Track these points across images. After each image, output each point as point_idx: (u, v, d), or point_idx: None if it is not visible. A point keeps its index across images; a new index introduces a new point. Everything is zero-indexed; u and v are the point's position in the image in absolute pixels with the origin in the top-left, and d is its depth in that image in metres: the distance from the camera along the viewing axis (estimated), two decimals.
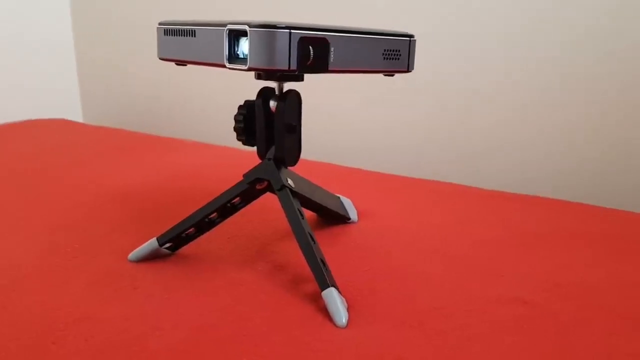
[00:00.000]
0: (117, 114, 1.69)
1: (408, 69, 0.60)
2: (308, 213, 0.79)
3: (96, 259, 0.64)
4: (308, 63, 0.49)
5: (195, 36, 0.54)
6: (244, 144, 0.63)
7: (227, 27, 0.50)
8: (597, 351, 0.48)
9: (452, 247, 0.70)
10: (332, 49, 0.51)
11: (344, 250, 0.68)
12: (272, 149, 0.61)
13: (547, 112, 1.02)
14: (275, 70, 0.48)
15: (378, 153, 1.21)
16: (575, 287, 0.60)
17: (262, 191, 0.65)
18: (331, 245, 0.69)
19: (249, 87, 1.36)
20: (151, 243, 0.64)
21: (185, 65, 0.60)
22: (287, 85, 0.60)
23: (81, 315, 0.52)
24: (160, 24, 0.59)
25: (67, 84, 1.71)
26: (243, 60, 0.50)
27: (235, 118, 0.62)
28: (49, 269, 0.61)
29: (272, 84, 0.60)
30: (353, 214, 0.78)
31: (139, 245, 0.65)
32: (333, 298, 0.52)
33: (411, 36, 0.59)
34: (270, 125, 0.61)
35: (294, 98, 0.60)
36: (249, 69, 0.48)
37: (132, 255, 0.64)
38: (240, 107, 0.62)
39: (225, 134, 1.44)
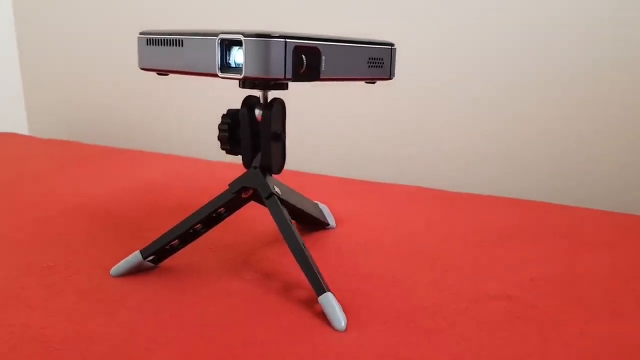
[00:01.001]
0: (65, 126, 1.63)
1: (390, 76, 0.61)
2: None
3: (76, 276, 0.62)
4: (301, 72, 0.50)
5: (182, 46, 0.53)
6: (228, 152, 0.63)
7: (219, 37, 0.50)
8: (580, 339, 0.51)
9: (428, 248, 0.72)
10: (323, 57, 0.52)
11: (327, 255, 0.69)
12: (258, 157, 0.62)
13: (526, 121, 1.07)
14: (270, 79, 0.49)
15: (353, 160, 1.23)
16: (547, 281, 0.63)
17: (247, 200, 0.65)
18: (314, 251, 0.70)
19: (208, 95, 1.36)
20: (134, 256, 0.62)
21: (167, 75, 0.59)
22: (271, 94, 0.60)
23: (73, 332, 0.50)
24: (141, 33, 0.58)
25: (11, 96, 1.63)
26: (235, 70, 0.50)
27: (220, 127, 0.61)
28: (27, 288, 0.59)
29: (256, 93, 0.61)
30: (331, 220, 0.79)
31: (118, 260, 0.63)
32: (330, 303, 0.53)
33: (392, 45, 0.61)
34: (255, 133, 0.61)
35: (279, 107, 0.60)
36: (245, 78, 0.49)
37: (114, 269, 0.62)
38: (224, 116, 0.61)
39: (183, 144, 1.42)
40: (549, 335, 0.52)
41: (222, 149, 0.62)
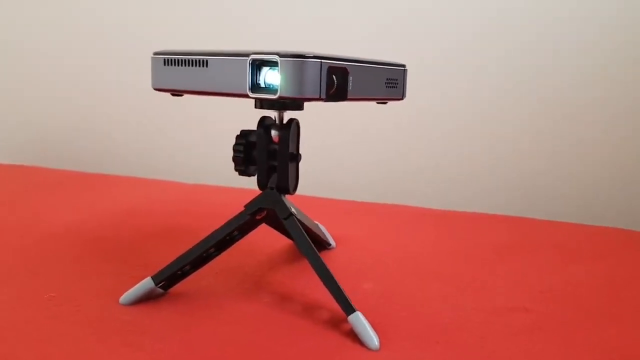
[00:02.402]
0: (20, 150, 1.55)
1: (402, 96, 0.63)
2: (286, 240, 0.79)
3: (84, 306, 0.59)
4: (331, 92, 0.50)
5: (207, 66, 0.52)
6: (241, 174, 0.62)
7: (250, 57, 0.49)
8: (599, 344, 0.53)
9: (432, 266, 0.74)
10: (350, 78, 0.52)
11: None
12: (273, 178, 0.61)
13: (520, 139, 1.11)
14: (305, 99, 0.49)
15: (342, 181, 1.23)
16: (554, 292, 0.65)
17: (260, 221, 0.64)
18: None
19: (169, 113, 1.32)
20: (146, 283, 0.60)
21: (182, 95, 0.58)
22: (287, 115, 0.60)
23: None
24: (156, 53, 0.57)
25: None
26: (266, 90, 0.50)
27: (235, 148, 0.61)
28: (33, 322, 0.55)
29: (272, 113, 0.61)
30: (331, 240, 0.79)
31: (119, 287, 0.61)
32: (361, 322, 0.53)
33: (404, 66, 0.62)
34: (271, 154, 0.60)
35: (296, 127, 0.60)
36: (280, 98, 0.48)
37: (124, 298, 0.60)
38: (238, 137, 0.61)
39: (154, 168, 1.38)
40: (571, 342, 0.53)
41: (237, 169, 0.61)
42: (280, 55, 0.48)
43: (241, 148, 0.60)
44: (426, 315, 0.59)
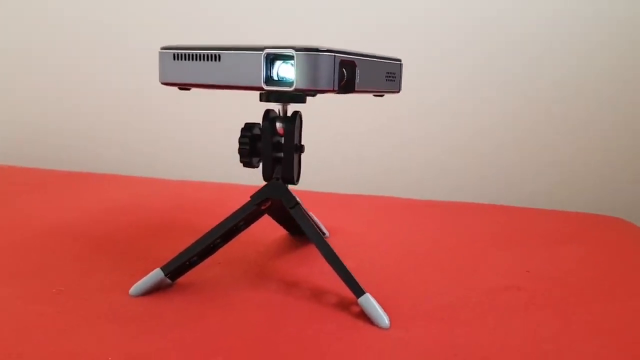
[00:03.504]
0: None
1: (399, 89, 0.66)
2: (281, 231, 0.81)
3: (94, 298, 0.59)
4: (342, 84, 0.53)
5: (219, 60, 0.54)
6: (246, 165, 0.64)
7: (264, 51, 0.51)
8: (589, 316, 0.58)
9: (425, 251, 0.77)
10: (357, 71, 0.55)
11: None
12: (277, 169, 0.63)
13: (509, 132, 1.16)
14: (320, 91, 0.51)
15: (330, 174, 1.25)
16: (542, 272, 0.70)
17: (264, 212, 0.66)
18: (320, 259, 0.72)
19: (152, 110, 1.32)
20: (155, 274, 0.61)
21: (189, 89, 0.60)
22: (291, 107, 0.62)
23: (127, 356, 0.48)
24: (164, 48, 0.58)
25: None
26: (280, 82, 0.52)
27: (240, 140, 0.62)
28: (46, 315, 0.55)
29: (275, 106, 0.62)
30: (324, 230, 0.81)
31: (126, 280, 0.62)
32: (371, 303, 0.56)
33: (400, 60, 0.66)
34: (276, 146, 0.62)
35: (299, 119, 0.62)
36: (295, 91, 0.50)
37: (134, 289, 0.60)
38: (243, 130, 0.62)
39: (132, 165, 1.37)
40: (566, 316, 0.58)
41: (242, 161, 0.63)
42: (296, 49, 0.50)
43: (247, 140, 0.62)
44: (427, 297, 0.62)
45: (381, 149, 1.21)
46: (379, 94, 0.66)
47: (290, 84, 0.51)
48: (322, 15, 1.20)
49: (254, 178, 0.65)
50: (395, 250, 0.78)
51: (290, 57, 0.50)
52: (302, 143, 0.63)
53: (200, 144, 1.30)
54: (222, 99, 1.19)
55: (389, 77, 0.63)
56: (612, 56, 1.08)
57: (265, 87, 0.52)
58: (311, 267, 0.69)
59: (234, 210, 0.62)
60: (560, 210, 1.02)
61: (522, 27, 1.11)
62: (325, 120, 1.22)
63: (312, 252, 0.75)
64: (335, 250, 0.59)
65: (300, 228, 0.75)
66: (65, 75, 1.40)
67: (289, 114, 0.62)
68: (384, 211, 0.98)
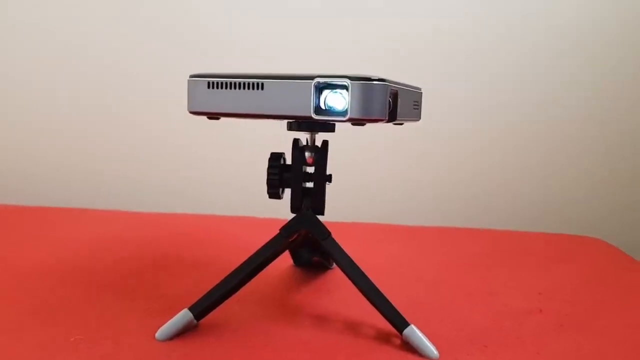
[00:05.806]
0: None
1: (419, 118, 0.67)
2: (286, 262, 0.79)
3: (120, 346, 0.54)
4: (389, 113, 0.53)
5: (262, 89, 0.52)
6: (272, 197, 0.62)
7: (315, 80, 0.50)
8: (617, 331, 0.60)
9: (431, 274, 0.78)
10: (399, 100, 0.55)
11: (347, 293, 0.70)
12: (306, 200, 0.61)
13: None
14: (372, 120, 0.51)
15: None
16: (550, 293, 0.72)
17: (291, 244, 0.64)
18: (336, 290, 0.70)
19: (132, 142, 1.24)
20: (183, 315, 0.57)
21: (219, 118, 0.57)
22: (320, 136, 0.61)
23: None
24: (194, 76, 0.55)
25: None
26: (328, 112, 0.51)
27: (269, 171, 0.60)
28: None
29: (303, 135, 0.61)
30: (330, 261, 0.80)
31: (146, 322, 0.58)
32: (417, 334, 0.55)
33: (421, 89, 0.66)
34: (306, 176, 0.61)
35: (326, 148, 0.61)
36: (349, 120, 0.50)
37: (161, 333, 0.56)
38: (271, 160, 0.61)
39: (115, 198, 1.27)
40: (596, 335, 0.60)
41: (271, 192, 0.61)
42: (351, 79, 0.49)
43: (276, 171, 0.60)
44: (459, 323, 0.62)
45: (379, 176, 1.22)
46: (399, 123, 0.66)
47: (342, 113, 0.50)
48: (316, 45, 1.20)
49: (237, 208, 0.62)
50: (405, 277, 0.77)
51: (343, 87, 0.50)
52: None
53: (198, 173, 1.24)
54: (221, 127, 1.14)
55: (415, 105, 0.63)
56: (579, 90, 1.16)
57: (315, 117, 0.51)
58: (332, 298, 0.67)
59: (229, 241, 0.60)
60: (546, 232, 1.06)
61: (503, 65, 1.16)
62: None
63: (326, 283, 0.74)
64: (340, 280, 0.58)
65: (308, 258, 0.75)
66: (35, 106, 1.30)
67: (317, 142, 0.61)
68: (376, 238, 0.98)
